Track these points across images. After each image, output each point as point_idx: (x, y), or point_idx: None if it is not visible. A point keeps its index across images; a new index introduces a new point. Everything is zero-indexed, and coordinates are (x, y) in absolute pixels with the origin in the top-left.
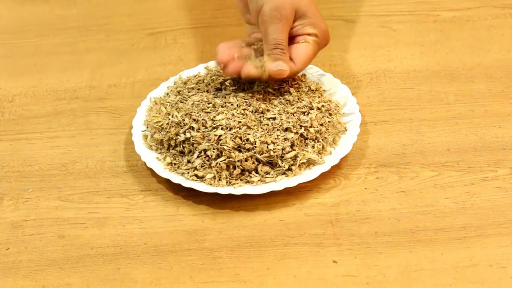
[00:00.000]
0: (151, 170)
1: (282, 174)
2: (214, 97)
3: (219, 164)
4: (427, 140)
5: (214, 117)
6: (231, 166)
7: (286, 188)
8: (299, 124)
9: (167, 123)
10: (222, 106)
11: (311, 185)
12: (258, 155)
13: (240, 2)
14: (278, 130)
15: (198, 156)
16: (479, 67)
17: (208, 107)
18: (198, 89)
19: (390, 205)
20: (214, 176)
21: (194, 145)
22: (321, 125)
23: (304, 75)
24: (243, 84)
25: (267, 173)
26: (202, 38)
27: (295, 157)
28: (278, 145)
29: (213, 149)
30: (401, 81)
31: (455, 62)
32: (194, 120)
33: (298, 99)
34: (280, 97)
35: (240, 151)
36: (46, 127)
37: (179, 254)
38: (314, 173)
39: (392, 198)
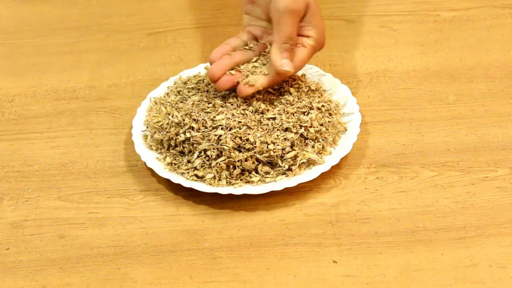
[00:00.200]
0: (151, 170)
1: (282, 174)
2: (214, 97)
3: (219, 164)
4: (427, 140)
5: (214, 117)
6: (231, 166)
7: (286, 188)
8: (299, 124)
9: (167, 123)
10: (222, 106)
11: (311, 185)
12: (258, 155)
13: None
14: (278, 130)
15: (198, 156)
16: (479, 67)
17: (208, 107)
18: (198, 89)
19: (390, 205)
20: (214, 176)
21: (194, 145)
22: (321, 125)
23: (304, 75)
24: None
25: (267, 173)
26: (202, 38)
27: (295, 157)
28: (278, 145)
29: (213, 149)
30: (401, 81)
31: (455, 62)
32: (194, 120)
33: (298, 99)
34: (280, 97)
35: (240, 151)
36: (46, 127)
37: (179, 254)
38: (314, 173)
39: (392, 198)
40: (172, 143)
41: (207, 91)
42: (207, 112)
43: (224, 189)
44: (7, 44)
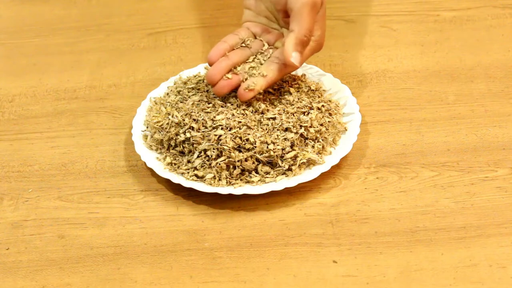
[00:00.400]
0: (151, 170)
1: (282, 174)
2: (214, 97)
3: (219, 164)
4: (427, 140)
5: (214, 117)
6: (231, 166)
7: (286, 188)
8: (299, 124)
9: (167, 123)
10: (222, 106)
11: (311, 185)
12: (258, 155)
13: None
14: (278, 130)
15: (198, 156)
16: (479, 67)
17: (208, 107)
18: (198, 89)
19: (390, 205)
20: (214, 176)
21: (194, 145)
22: (321, 125)
23: (304, 75)
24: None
25: (267, 173)
26: (202, 38)
27: (295, 157)
28: (278, 145)
29: (213, 149)
30: (401, 81)
31: (455, 62)
32: (194, 120)
33: (298, 99)
34: (280, 97)
35: (240, 151)
36: (46, 127)
37: (179, 254)
38: (314, 173)
39: (392, 198)
40: (172, 143)
41: (207, 91)
42: (207, 112)
43: (224, 189)
44: (7, 44)
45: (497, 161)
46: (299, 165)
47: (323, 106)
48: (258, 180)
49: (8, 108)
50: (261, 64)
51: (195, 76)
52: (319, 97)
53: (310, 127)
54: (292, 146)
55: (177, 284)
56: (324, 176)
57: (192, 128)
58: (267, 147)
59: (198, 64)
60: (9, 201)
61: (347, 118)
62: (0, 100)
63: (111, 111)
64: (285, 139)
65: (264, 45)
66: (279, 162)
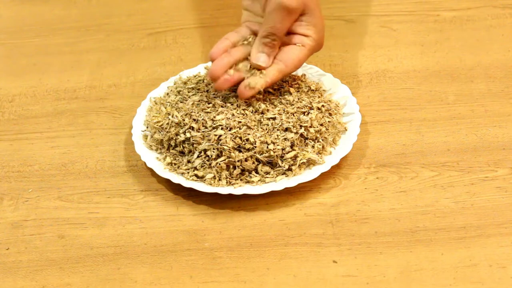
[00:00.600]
0: (151, 170)
1: (282, 174)
2: (214, 97)
3: (219, 164)
4: (427, 140)
5: (214, 117)
6: (231, 166)
7: (286, 188)
8: (299, 124)
9: (167, 123)
10: (222, 106)
11: (311, 185)
12: (258, 155)
13: None
14: (278, 130)
15: (198, 156)
16: (479, 67)
17: (208, 107)
18: (198, 89)
19: (390, 205)
20: (214, 176)
21: (194, 145)
22: (321, 125)
23: (304, 75)
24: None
25: (267, 173)
26: (202, 38)
27: (295, 157)
28: (278, 145)
29: (213, 149)
30: (401, 81)
31: (455, 62)
32: (194, 120)
33: (298, 99)
34: (280, 97)
35: (240, 151)
36: (46, 127)
37: (179, 254)
38: (314, 173)
39: (392, 198)
40: (172, 143)
41: (207, 91)
42: (207, 112)
43: (224, 189)
44: (7, 44)
45: (497, 161)
46: (299, 165)
47: (323, 106)
48: (258, 180)
49: (8, 108)
50: None
51: (195, 76)
52: (319, 97)
53: (310, 127)
54: (292, 146)
55: (177, 284)
56: (324, 176)
57: (192, 128)
58: (267, 147)
59: (198, 64)
60: (9, 201)
61: (347, 118)
62: (0, 100)
63: (111, 111)
64: (285, 139)
65: None
66: (279, 162)
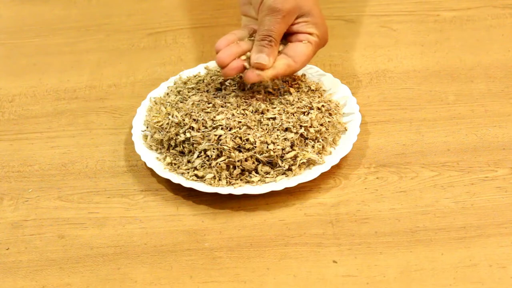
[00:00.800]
0: (151, 170)
1: (282, 174)
2: (214, 97)
3: (219, 164)
4: (427, 140)
5: (214, 117)
6: (231, 166)
7: (286, 188)
8: (299, 124)
9: (167, 123)
10: (222, 106)
11: (311, 185)
12: (258, 155)
13: None
14: (278, 130)
15: (198, 156)
16: (479, 67)
17: (208, 107)
18: (198, 89)
19: (390, 205)
20: (214, 176)
21: (194, 145)
22: (321, 125)
23: (304, 75)
24: (243, 84)
25: (267, 173)
26: (202, 38)
27: (295, 157)
28: (278, 145)
29: (213, 149)
30: (401, 81)
31: (455, 62)
32: (194, 120)
33: (298, 99)
34: (280, 97)
35: (240, 151)
36: (46, 127)
37: (179, 254)
38: (314, 173)
39: (392, 198)
40: (172, 143)
41: (207, 91)
42: (207, 112)
43: (224, 189)
44: (7, 44)
45: (497, 161)
46: (299, 165)
47: (323, 106)
48: (258, 180)
49: (8, 108)
50: None
51: (195, 76)
52: (319, 97)
53: (310, 127)
54: (292, 146)
55: (177, 284)
56: (324, 176)
57: (192, 128)
58: (267, 147)
59: (198, 64)
60: (9, 201)
61: (347, 118)
62: (0, 100)
63: (111, 111)
64: (285, 139)
65: None
66: (279, 162)
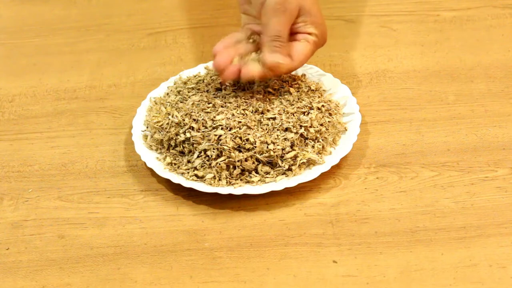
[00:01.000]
0: (151, 170)
1: (282, 174)
2: (214, 97)
3: (219, 164)
4: (427, 140)
5: (214, 117)
6: (231, 166)
7: (286, 188)
8: (299, 124)
9: (167, 123)
10: (222, 106)
11: (311, 185)
12: (258, 155)
13: None
14: (278, 130)
15: (198, 156)
16: (479, 67)
17: (208, 107)
18: (198, 89)
19: (390, 205)
20: (214, 176)
21: (194, 145)
22: (321, 125)
23: (304, 75)
24: (243, 84)
25: (267, 173)
26: (202, 38)
27: (295, 157)
28: (278, 145)
29: (213, 149)
30: (401, 81)
31: (455, 62)
32: (194, 120)
33: (298, 99)
34: (280, 97)
35: (240, 151)
36: (46, 127)
37: (179, 254)
38: (314, 173)
39: (392, 198)
40: (172, 143)
41: (207, 91)
42: (207, 112)
43: (224, 189)
44: (7, 44)
45: (497, 161)
46: (299, 165)
47: (323, 106)
48: (258, 180)
49: (8, 108)
50: None
51: (195, 76)
52: (319, 97)
53: (310, 127)
54: (292, 146)
55: (177, 284)
56: (324, 176)
57: (192, 128)
58: (267, 147)
59: (198, 64)
60: (9, 201)
61: (347, 118)
62: (0, 100)
63: (111, 111)
64: (285, 139)
65: None
66: (279, 162)
